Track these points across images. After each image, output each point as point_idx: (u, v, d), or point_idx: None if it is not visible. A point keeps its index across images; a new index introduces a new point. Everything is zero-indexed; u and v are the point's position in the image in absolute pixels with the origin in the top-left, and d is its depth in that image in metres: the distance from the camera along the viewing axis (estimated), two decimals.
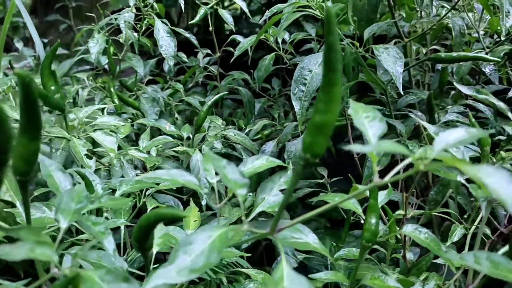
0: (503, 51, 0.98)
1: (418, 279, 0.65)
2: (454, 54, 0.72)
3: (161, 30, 0.85)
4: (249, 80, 1.27)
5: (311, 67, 0.65)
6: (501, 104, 0.46)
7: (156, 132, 1.08)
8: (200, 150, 0.92)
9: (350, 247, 0.74)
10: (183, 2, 0.95)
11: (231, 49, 1.09)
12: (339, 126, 0.94)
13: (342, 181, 0.90)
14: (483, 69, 0.95)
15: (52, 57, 0.67)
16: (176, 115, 1.09)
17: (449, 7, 1.06)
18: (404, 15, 1.00)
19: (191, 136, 0.89)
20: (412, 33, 1.19)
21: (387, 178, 0.32)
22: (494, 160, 0.56)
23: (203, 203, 0.74)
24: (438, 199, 0.92)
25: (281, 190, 0.46)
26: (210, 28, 1.10)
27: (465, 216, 0.77)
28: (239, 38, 1.10)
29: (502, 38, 0.72)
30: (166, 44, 0.84)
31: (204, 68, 1.23)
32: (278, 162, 0.45)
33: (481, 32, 1.20)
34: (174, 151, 0.85)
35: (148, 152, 0.79)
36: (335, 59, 0.30)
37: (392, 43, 0.83)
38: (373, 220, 0.44)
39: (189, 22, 1.04)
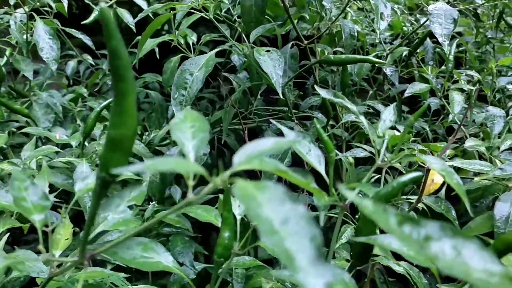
0: (402, 51, 1.01)
1: None
2: (343, 56, 0.72)
3: (42, 32, 0.78)
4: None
5: (193, 70, 0.62)
6: (353, 108, 0.46)
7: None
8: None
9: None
10: (66, 1, 0.88)
11: (136, 50, 1.03)
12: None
13: None
14: (384, 70, 0.98)
15: None
16: (79, 122, 1.02)
17: (354, 11, 1.09)
18: (307, 17, 1.00)
19: (86, 145, 0.83)
20: (324, 35, 1.20)
21: (200, 195, 0.30)
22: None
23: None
24: None
25: (130, 207, 0.43)
26: None
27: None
28: None
29: (377, 41, 0.74)
30: (48, 47, 0.78)
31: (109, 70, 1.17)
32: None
33: (387, 34, 1.24)
34: (60, 161, 0.78)
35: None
36: (122, 67, 0.27)
37: (289, 45, 0.83)
38: (226, 234, 0.42)
39: (81, 23, 0.97)
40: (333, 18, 0.87)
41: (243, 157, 0.28)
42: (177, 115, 0.35)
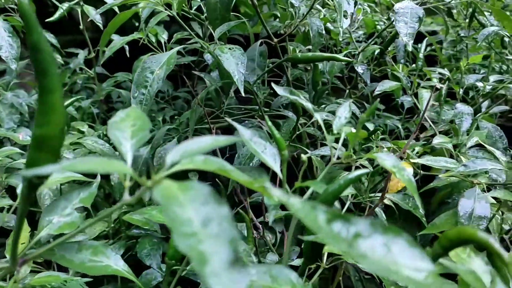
0: (373, 50, 1.02)
1: None
2: (310, 54, 0.72)
3: (1, 29, 0.76)
4: None
5: (154, 68, 0.61)
6: (308, 105, 0.45)
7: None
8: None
9: None
10: None
11: (105, 49, 1.01)
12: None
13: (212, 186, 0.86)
14: (356, 68, 0.98)
15: None
16: None
17: (328, 9, 1.08)
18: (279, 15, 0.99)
19: None
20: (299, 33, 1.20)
21: (134, 197, 0.29)
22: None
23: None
24: None
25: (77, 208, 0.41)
26: (81, 27, 1.01)
27: None
28: (114, 37, 1.03)
29: (340, 39, 0.74)
30: (7, 45, 0.75)
31: (80, 69, 1.14)
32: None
33: (361, 32, 1.25)
34: (23, 163, 0.76)
35: None
36: (45, 61, 0.25)
37: (258, 43, 0.82)
38: None
39: (46, 20, 0.95)
40: (302, 16, 0.86)
41: (177, 156, 0.27)
42: (118, 114, 0.34)
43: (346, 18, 0.65)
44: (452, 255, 0.37)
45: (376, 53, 1.05)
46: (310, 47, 1.02)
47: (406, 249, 0.22)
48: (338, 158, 0.43)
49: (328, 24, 1.07)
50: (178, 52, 1.22)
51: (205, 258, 0.18)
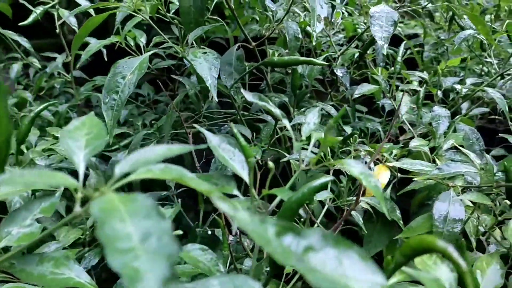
0: (352, 53, 1.02)
1: None
2: (286, 58, 0.71)
3: None
4: None
5: (125, 73, 0.60)
6: (277, 111, 0.45)
7: None
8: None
9: None
10: None
11: (79, 52, 0.99)
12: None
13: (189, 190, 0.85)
14: (335, 71, 0.98)
15: None
16: None
17: (305, 12, 1.08)
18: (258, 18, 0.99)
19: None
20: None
21: (83, 208, 0.28)
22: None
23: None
24: None
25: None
26: (57, 30, 0.99)
27: None
28: (91, 40, 1.01)
29: (314, 43, 0.73)
30: None
31: (58, 73, 1.12)
32: None
33: (340, 35, 1.25)
34: None
35: None
36: None
37: (235, 47, 0.81)
38: None
39: (19, 24, 0.93)
40: (280, 20, 0.86)
41: (126, 167, 0.26)
42: (72, 122, 0.33)
43: (320, 22, 0.65)
44: (418, 262, 0.37)
45: (355, 56, 1.06)
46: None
47: (358, 262, 0.22)
48: (307, 165, 0.42)
49: (308, 28, 1.06)
50: (159, 56, 1.22)
51: (138, 276, 0.18)
